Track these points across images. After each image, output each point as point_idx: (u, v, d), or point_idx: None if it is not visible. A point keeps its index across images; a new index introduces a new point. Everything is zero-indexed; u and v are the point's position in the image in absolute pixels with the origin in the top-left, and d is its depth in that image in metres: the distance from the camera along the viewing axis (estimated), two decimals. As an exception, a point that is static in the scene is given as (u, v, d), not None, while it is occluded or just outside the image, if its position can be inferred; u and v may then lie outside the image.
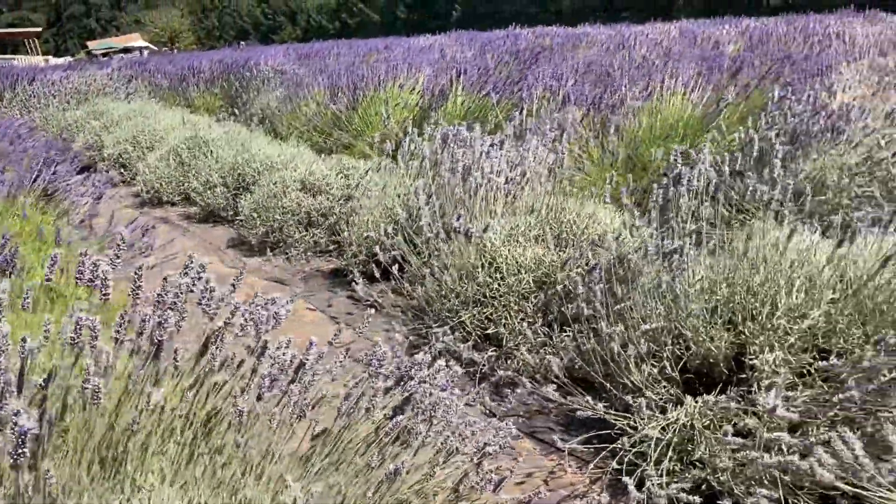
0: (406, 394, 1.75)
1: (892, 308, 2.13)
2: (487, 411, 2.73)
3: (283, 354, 1.67)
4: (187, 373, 1.61)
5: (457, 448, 1.84)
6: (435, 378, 1.71)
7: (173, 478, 1.53)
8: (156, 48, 42.33)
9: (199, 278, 1.48)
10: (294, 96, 7.93)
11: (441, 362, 1.78)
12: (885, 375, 1.76)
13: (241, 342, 1.74)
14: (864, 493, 1.62)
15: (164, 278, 1.44)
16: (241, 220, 4.88)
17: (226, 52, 15.78)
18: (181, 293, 1.45)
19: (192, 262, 1.49)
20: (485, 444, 1.79)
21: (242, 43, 36.33)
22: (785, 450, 1.88)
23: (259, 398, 1.65)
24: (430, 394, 1.74)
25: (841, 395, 1.75)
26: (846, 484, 1.58)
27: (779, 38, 8.25)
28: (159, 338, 1.44)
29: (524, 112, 5.71)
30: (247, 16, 53.71)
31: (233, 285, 1.63)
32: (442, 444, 1.87)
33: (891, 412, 1.77)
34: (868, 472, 1.53)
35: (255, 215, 4.69)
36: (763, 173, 3.99)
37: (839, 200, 3.63)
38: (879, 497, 1.58)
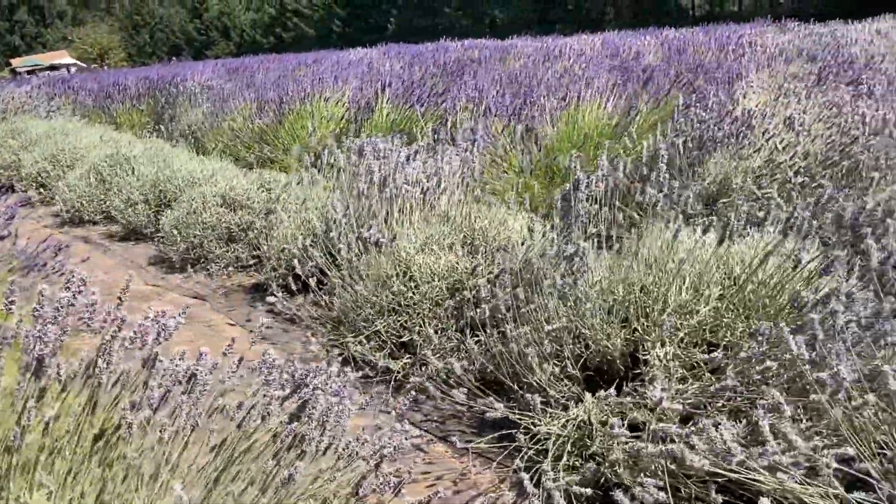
0: (301, 401, 1.77)
1: (773, 302, 2.24)
2: (405, 419, 2.77)
3: (176, 366, 1.68)
4: (76, 388, 1.61)
5: (356, 452, 1.88)
6: (328, 385, 1.74)
7: (61, 493, 1.52)
8: (84, 65, 41.39)
9: (80, 292, 1.48)
10: (220, 112, 7.87)
11: (334, 369, 1.80)
12: (759, 365, 1.85)
13: (140, 356, 1.74)
14: (738, 476, 1.71)
15: (40, 292, 1.44)
16: (162, 237, 4.82)
17: (154, 68, 15.53)
18: (62, 307, 1.45)
19: (73, 276, 1.49)
20: (381, 446, 1.82)
21: (174, 58, 35.83)
22: (676, 440, 1.96)
23: (154, 410, 1.66)
24: (326, 400, 1.76)
25: (718, 385, 1.84)
26: (720, 469, 1.66)
27: (696, 48, 8.54)
28: (40, 353, 1.43)
29: (448, 123, 5.80)
30: (179, 32, 52.97)
31: (119, 298, 1.63)
32: (343, 448, 1.90)
33: (766, 400, 1.87)
34: (737, 457, 1.61)
35: (175, 232, 4.64)
36: (670, 178, 4.14)
37: (742, 202, 3.78)
38: (750, 479, 1.67)
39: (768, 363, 1.85)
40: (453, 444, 2.59)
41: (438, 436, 2.69)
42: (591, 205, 2.79)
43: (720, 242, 2.20)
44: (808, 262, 2.11)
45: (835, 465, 1.62)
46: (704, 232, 2.26)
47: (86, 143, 7.14)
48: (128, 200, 5.49)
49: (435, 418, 2.80)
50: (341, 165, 3.66)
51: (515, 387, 2.52)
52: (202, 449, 1.80)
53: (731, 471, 1.70)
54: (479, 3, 37.48)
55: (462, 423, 2.76)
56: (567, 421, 2.24)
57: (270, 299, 3.28)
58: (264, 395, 1.71)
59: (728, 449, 1.61)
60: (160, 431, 1.63)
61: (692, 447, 1.65)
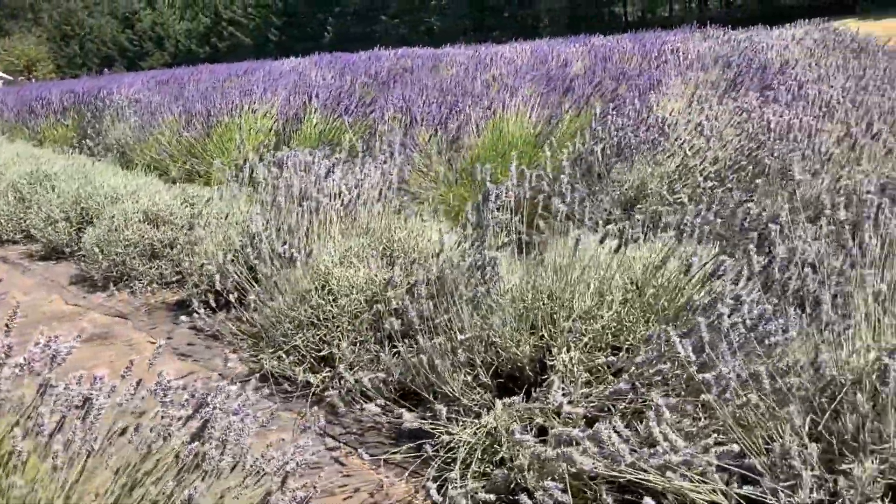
0: (202, 420, 1.77)
1: (672, 305, 2.32)
2: (321, 432, 2.78)
3: (70, 391, 1.66)
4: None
5: (262, 469, 1.88)
6: (226, 404, 1.75)
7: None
8: (11, 78, 40.18)
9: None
10: (148, 125, 7.74)
11: (234, 387, 1.81)
12: (652, 368, 1.92)
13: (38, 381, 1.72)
14: (632, 477, 1.78)
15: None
16: (84, 256, 4.73)
17: (82, 81, 15.17)
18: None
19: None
20: (285, 462, 1.83)
21: (106, 70, 35.05)
22: (580, 443, 2.02)
23: (50, 436, 1.64)
24: (227, 419, 1.77)
25: (611, 389, 1.90)
26: (612, 472, 1.72)
27: (621, 55, 8.73)
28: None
29: (377, 133, 5.82)
30: (111, 42, 51.77)
31: (7, 325, 1.61)
32: (251, 466, 1.90)
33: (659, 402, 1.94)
34: (627, 458, 1.67)
35: (97, 249, 4.56)
36: (590, 184, 4.25)
37: (657, 208, 3.90)
38: (641, 479, 1.74)
39: (660, 366, 1.92)
40: (374, 457, 2.62)
41: (357, 448, 2.70)
42: (504, 214, 2.85)
43: (617, 249, 2.27)
44: (702, 267, 2.20)
45: (717, 462, 1.70)
46: (602, 241, 2.33)
47: (4, 160, 6.95)
48: (48, 218, 5.37)
49: (354, 430, 2.82)
50: (261, 179, 3.66)
51: (430, 397, 2.56)
52: (105, 474, 1.78)
53: (622, 472, 1.76)
54: (416, 11, 37.60)
55: (381, 435, 2.78)
56: (478, 428, 2.29)
57: (184, 317, 3.25)
58: (163, 417, 1.70)
59: (618, 451, 1.67)
60: (53, 459, 1.61)
61: (584, 450, 1.70)
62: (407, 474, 2.40)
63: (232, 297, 3.40)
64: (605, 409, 2.20)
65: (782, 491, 1.74)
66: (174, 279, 4.44)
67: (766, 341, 1.92)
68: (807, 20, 13.47)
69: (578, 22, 34.34)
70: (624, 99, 5.35)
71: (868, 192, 2.33)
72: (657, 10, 43.88)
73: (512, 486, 2.20)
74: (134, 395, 1.80)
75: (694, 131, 4.26)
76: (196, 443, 1.75)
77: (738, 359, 1.87)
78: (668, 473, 1.73)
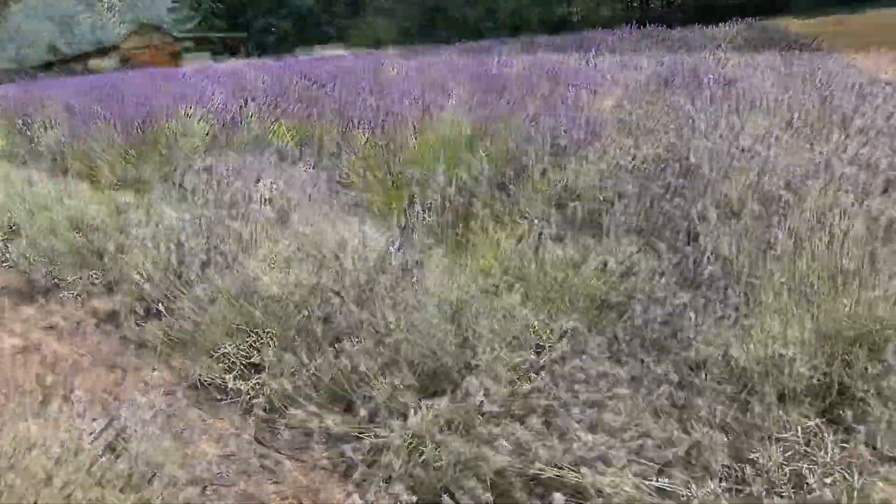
0: (115, 432, 1.75)
1: (593, 302, 2.36)
2: (252, 439, 2.75)
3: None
4: None
5: (179, 479, 1.86)
6: (140, 414, 1.72)
7: None
8: (-58, 84, 38.84)
9: None
10: (81, 132, 7.55)
11: (144, 400, 1.78)
12: (568, 365, 1.95)
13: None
14: (550, 473, 1.80)
15: None
16: (11, 266, 4.60)
17: (16, 86, 14.77)
18: None
19: None
20: (201, 473, 1.81)
21: (41, 74, 34.12)
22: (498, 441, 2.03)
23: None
24: (146, 430, 1.74)
25: (530, 386, 1.93)
26: (525, 467, 1.74)
27: (561, 55, 8.84)
28: None
29: (315, 136, 5.79)
30: (48, 46, 50.39)
31: None
32: (170, 477, 1.88)
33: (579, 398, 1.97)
34: (541, 456, 1.70)
35: (24, 260, 4.44)
36: (524, 183, 4.28)
37: (581, 205, 3.95)
38: (555, 475, 1.76)
39: (577, 362, 1.95)
40: (302, 462, 2.60)
41: (287, 454, 2.69)
42: (433, 216, 2.86)
43: (537, 249, 2.30)
44: (620, 264, 2.24)
45: (629, 457, 1.73)
46: (518, 242, 2.36)
47: (-73, 170, 6.70)
48: (-28, 229, 5.20)
49: (286, 436, 2.79)
50: (190, 187, 3.61)
51: (358, 401, 2.55)
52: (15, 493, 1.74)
53: (542, 469, 1.78)
54: (362, 13, 37.48)
55: (312, 440, 2.76)
56: (404, 430, 2.29)
57: (114, 327, 3.19)
58: (70, 430, 1.67)
59: (531, 448, 1.69)
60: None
61: (501, 448, 1.72)
62: (336, 478, 2.40)
63: (161, 306, 3.34)
64: (529, 406, 2.22)
65: (694, 481, 1.78)
66: (104, 288, 4.34)
67: (678, 335, 1.96)
68: (742, 19, 13.80)
69: (525, 23, 34.53)
70: (559, 98, 5.42)
71: (780, 189, 2.40)
72: (602, 9, 44.39)
73: (439, 486, 2.22)
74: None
75: (624, 130, 4.33)
76: (108, 455, 1.72)
77: (651, 354, 1.91)
78: (583, 469, 1.75)
